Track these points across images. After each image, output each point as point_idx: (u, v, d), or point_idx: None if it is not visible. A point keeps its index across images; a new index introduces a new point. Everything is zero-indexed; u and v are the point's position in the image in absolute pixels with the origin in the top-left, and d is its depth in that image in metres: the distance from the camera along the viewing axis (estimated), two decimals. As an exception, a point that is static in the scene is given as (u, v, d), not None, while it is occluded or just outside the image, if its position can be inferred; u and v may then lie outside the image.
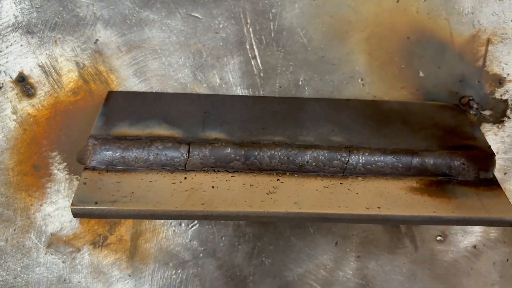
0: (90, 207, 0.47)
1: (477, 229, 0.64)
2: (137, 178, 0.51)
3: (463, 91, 0.63)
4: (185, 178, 0.52)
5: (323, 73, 0.62)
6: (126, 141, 0.52)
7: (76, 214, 0.48)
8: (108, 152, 0.52)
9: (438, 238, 0.64)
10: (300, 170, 0.53)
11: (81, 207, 0.47)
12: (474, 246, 0.64)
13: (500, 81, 0.64)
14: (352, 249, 0.64)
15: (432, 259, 0.64)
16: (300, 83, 0.62)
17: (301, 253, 0.64)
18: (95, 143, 0.52)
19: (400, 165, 0.53)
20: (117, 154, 0.52)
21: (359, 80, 0.63)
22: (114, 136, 0.53)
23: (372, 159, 0.53)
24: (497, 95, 0.64)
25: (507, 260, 0.68)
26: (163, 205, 0.48)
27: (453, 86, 0.63)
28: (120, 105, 0.58)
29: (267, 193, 0.50)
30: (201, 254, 0.63)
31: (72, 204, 0.47)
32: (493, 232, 0.65)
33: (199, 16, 0.61)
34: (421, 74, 0.63)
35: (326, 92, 0.63)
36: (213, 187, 0.51)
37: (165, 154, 0.52)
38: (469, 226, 0.64)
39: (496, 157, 0.58)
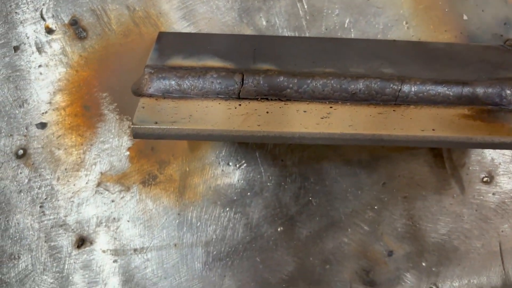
0: (151, 126, 0.48)
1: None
2: (193, 104, 0.52)
3: (507, 34, 0.64)
4: (240, 105, 0.52)
5: (368, 15, 0.63)
6: (182, 70, 0.53)
7: (136, 134, 0.49)
8: (164, 81, 0.53)
9: (485, 179, 0.64)
10: (353, 99, 0.53)
11: (142, 126, 0.48)
12: (521, 188, 0.65)
13: (544, 24, 0.64)
14: (399, 189, 0.64)
15: (479, 200, 0.64)
16: (345, 25, 0.63)
17: (347, 193, 0.64)
18: (152, 72, 0.53)
19: (451, 94, 0.53)
20: (173, 82, 0.53)
21: (404, 23, 0.64)
22: (170, 66, 0.54)
23: (424, 88, 0.53)
24: (542, 39, 0.64)
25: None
26: (221, 125, 0.49)
27: (498, 29, 0.64)
28: (172, 43, 0.59)
29: (321, 118, 0.51)
30: (248, 193, 0.64)
31: (132, 123, 0.48)
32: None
33: (247, -39, 0.62)
34: (464, 17, 0.64)
35: (371, 35, 0.64)
36: (267, 112, 0.51)
37: (220, 82, 0.53)
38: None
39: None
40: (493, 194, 0.64)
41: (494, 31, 0.64)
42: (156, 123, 0.49)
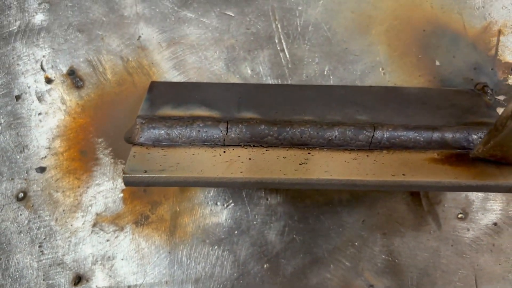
0: (141, 175, 0.52)
1: (496, 207, 0.67)
2: (181, 152, 0.56)
3: (477, 78, 0.68)
4: (224, 152, 0.56)
5: (346, 63, 0.68)
6: (171, 120, 0.58)
7: (127, 182, 0.53)
8: (154, 130, 0.57)
9: (460, 215, 0.67)
10: (329, 144, 0.57)
11: (133, 175, 0.52)
12: (495, 224, 0.68)
13: (512, 68, 0.68)
14: (378, 226, 0.67)
15: (455, 236, 0.67)
16: (325, 72, 0.68)
17: (329, 230, 0.67)
18: (143, 122, 0.57)
19: (422, 139, 0.57)
20: (163, 132, 0.57)
21: (380, 69, 0.68)
22: (159, 116, 0.58)
23: (396, 134, 0.57)
24: (510, 81, 0.68)
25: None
26: (206, 173, 0.53)
27: (468, 73, 0.68)
28: (162, 92, 0.63)
29: (299, 164, 0.55)
30: (235, 232, 0.67)
31: (124, 173, 0.52)
32: (512, 211, 0.68)
33: (232, 14, 0.67)
34: (437, 63, 0.68)
35: (349, 81, 0.68)
36: (250, 158, 0.55)
37: (206, 131, 0.57)
38: (489, 204, 0.67)
39: None
40: (468, 230, 0.68)
41: (465, 75, 0.68)
42: (145, 171, 0.53)
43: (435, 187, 0.54)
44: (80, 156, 0.67)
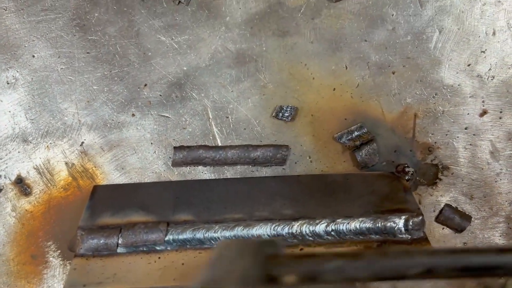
0: (79, 290, 0.56)
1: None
2: (118, 261, 0.60)
3: (398, 160, 0.74)
4: (159, 258, 0.61)
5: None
6: (108, 229, 0.62)
7: (67, 298, 0.57)
8: (93, 240, 0.61)
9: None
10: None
11: (71, 290, 0.56)
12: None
13: (429, 148, 0.74)
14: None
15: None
16: (257, 164, 0.73)
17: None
18: (83, 233, 0.62)
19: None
20: (101, 242, 0.61)
21: (308, 158, 0.73)
22: (99, 226, 0.63)
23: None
24: (428, 161, 0.74)
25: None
26: (140, 283, 0.57)
27: (389, 156, 0.74)
28: (103, 198, 0.68)
29: (229, 265, 0.59)
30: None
31: (63, 288, 0.56)
32: (440, 282, 0.73)
33: (169, 116, 0.73)
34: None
35: (280, 170, 0.73)
36: (183, 264, 0.60)
37: (142, 236, 0.62)
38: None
39: (432, 214, 0.67)
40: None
41: (387, 158, 0.74)
42: (84, 286, 0.57)
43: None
44: (31, 260, 0.71)
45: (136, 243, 0.61)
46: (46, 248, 0.71)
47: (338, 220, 0.62)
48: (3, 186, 0.71)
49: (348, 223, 0.62)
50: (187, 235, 0.62)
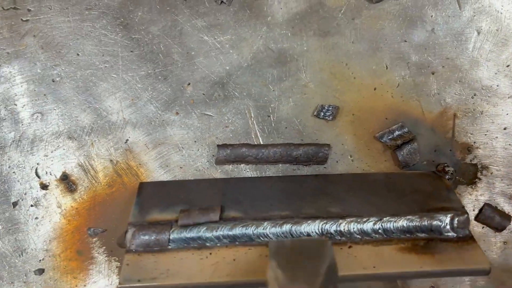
0: (135, 285, 0.57)
1: (465, 278, 0.73)
2: (170, 257, 0.61)
3: (438, 159, 0.75)
4: (210, 253, 0.62)
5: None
6: (160, 225, 0.63)
7: (123, 292, 0.57)
8: (145, 237, 0.62)
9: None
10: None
11: (127, 285, 0.57)
12: (465, 294, 0.73)
13: (468, 148, 0.75)
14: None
15: (429, 308, 0.73)
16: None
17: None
18: (134, 230, 0.62)
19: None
20: (153, 238, 0.62)
21: (349, 157, 0.74)
22: (149, 222, 0.63)
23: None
24: (468, 160, 0.75)
25: (497, 305, 0.76)
26: (194, 279, 0.58)
27: (430, 156, 0.75)
28: (150, 194, 0.69)
29: (280, 262, 0.60)
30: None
31: (119, 283, 0.57)
32: (480, 280, 0.74)
33: (212, 114, 0.73)
34: (401, 147, 0.75)
35: (322, 169, 0.74)
36: (234, 259, 0.61)
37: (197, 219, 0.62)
38: (457, 278, 0.73)
39: (471, 213, 0.68)
40: (441, 302, 0.73)
41: (427, 158, 0.75)
42: (139, 280, 0.58)
43: (402, 277, 0.59)
44: (77, 256, 0.72)
45: (193, 221, 0.62)
46: (92, 244, 0.72)
47: (385, 218, 0.63)
48: (49, 183, 0.72)
49: (395, 221, 0.63)
50: (237, 231, 0.62)
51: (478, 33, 0.73)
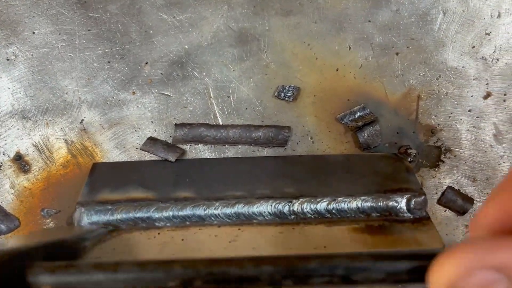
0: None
1: None
2: (117, 237, 0.59)
3: (400, 141, 0.73)
4: (159, 233, 0.60)
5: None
6: (108, 204, 0.61)
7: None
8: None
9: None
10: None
11: (70, 264, 0.55)
12: None
13: (432, 130, 0.73)
14: None
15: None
16: (258, 144, 0.72)
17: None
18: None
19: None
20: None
21: (309, 138, 0.73)
22: (98, 202, 0.62)
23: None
24: (431, 143, 0.74)
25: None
26: (139, 257, 0.56)
27: (392, 137, 0.73)
28: (102, 175, 0.67)
29: (229, 241, 0.59)
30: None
31: (62, 262, 0.56)
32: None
33: (170, 94, 0.72)
34: (363, 129, 0.73)
35: (281, 151, 0.72)
36: (182, 239, 0.59)
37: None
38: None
39: (434, 196, 0.67)
40: None
41: (390, 140, 0.73)
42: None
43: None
44: (29, 237, 0.70)
45: (152, 152, 0.60)
46: (45, 225, 0.70)
47: (339, 199, 0.62)
48: (1, 163, 0.71)
49: (349, 202, 0.62)
50: (187, 211, 0.61)
51: (444, 13, 0.71)
